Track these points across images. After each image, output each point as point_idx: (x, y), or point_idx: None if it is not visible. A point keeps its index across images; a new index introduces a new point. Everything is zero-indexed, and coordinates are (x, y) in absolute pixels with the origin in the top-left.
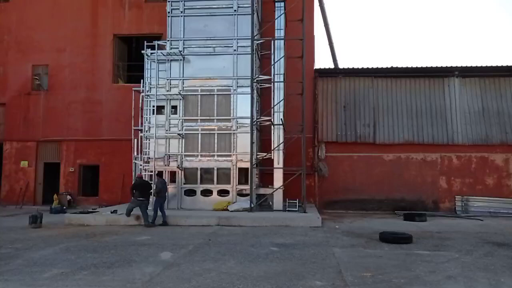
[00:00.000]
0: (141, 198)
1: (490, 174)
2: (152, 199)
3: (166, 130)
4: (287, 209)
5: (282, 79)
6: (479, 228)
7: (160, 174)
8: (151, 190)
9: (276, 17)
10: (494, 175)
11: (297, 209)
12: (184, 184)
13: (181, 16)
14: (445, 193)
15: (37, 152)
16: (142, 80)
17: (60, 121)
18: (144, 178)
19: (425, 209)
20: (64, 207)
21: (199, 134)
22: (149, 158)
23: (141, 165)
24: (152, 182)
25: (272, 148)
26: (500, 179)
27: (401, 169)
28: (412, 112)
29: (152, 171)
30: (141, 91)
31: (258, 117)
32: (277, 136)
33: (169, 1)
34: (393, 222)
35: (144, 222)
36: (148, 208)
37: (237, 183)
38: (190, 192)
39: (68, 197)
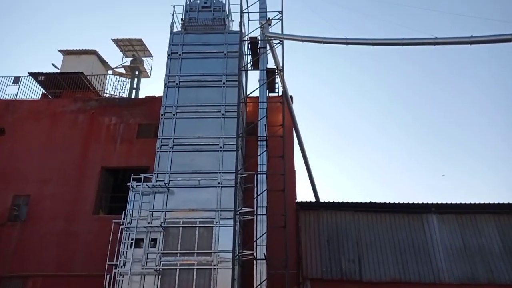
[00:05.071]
0: None
1: None
2: None
3: (143, 266)
4: None
5: (265, 212)
6: None
7: None
8: None
9: (259, 153)
10: None
11: None
12: None
13: (170, 151)
14: None
15: None
16: (124, 212)
17: (32, 254)
18: None
19: None
20: None
21: (177, 270)
22: None
23: None
24: None
25: (255, 286)
26: None
27: None
28: (395, 248)
29: None
30: (121, 223)
31: (241, 250)
32: (260, 272)
33: (159, 138)
34: None
35: None
36: None
37: None
38: None
39: None
